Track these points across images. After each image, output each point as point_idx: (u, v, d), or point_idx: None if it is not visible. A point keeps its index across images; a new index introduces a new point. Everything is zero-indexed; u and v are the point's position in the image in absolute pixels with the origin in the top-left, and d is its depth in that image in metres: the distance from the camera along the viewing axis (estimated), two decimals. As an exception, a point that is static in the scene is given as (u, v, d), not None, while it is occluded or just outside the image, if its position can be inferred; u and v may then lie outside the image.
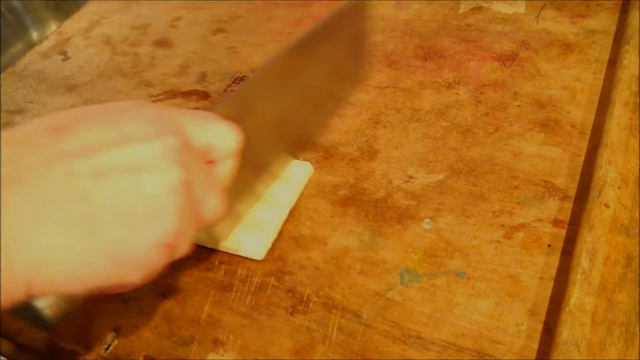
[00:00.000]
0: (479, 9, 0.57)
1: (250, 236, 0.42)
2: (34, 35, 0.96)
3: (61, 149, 0.25)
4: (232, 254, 0.43)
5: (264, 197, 0.45)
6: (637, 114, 0.41)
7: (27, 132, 0.27)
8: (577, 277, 0.33)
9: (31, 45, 0.79)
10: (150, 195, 0.26)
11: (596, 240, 0.35)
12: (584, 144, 0.42)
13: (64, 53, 0.71)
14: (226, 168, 0.33)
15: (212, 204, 0.31)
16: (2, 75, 0.70)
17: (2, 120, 0.63)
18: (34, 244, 0.24)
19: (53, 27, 0.91)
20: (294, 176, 0.46)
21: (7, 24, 0.93)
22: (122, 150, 0.26)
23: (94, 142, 0.26)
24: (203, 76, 0.60)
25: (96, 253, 0.25)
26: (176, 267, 0.43)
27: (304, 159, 0.47)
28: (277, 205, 0.44)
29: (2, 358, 0.42)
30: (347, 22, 0.45)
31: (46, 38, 0.75)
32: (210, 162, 0.32)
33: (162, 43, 0.67)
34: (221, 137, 0.32)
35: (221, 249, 0.43)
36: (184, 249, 0.29)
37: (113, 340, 0.40)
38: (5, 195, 0.23)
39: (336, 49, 0.45)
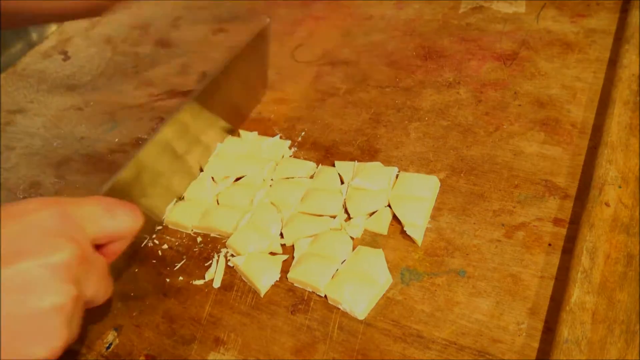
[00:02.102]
0: (479, 8, 0.57)
1: (356, 291, 0.37)
2: (34, 35, 0.96)
3: None
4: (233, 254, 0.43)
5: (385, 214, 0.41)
6: (637, 113, 0.41)
7: None
8: (577, 276, 0.33)
9: (31, 45, 0.79)
10: (36, 315, 0.27)
11: (597, 239, 0.35)
12: (584, 143, 0.42)
13: (65, 53, 0.71)
14: (120, 246, 0.35)
15: (101, 293, 0.33)
16: (3, 75, 0.70)
17: (2, 120, 0.63)
18: None
19: (53, 27, 0.91)
20: (424, 192, 0.41)
21: (7, 24, 0.93)
22: (11, 269, 0.27)
23: None
24: (204, 76, 0.60)
25: None
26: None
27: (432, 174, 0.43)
28: (413, 228, 0.40)
29: None
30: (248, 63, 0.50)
31: (47, 38, 0.75)
32: (102, 245, 0.34)
33: (163, 43, 0.67)
34: (123, 225, 0.34)
35: (321, 294, 0.39)
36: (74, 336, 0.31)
37: (114, 339, 0.40)
38: None
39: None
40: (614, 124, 0.40)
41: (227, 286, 0.41)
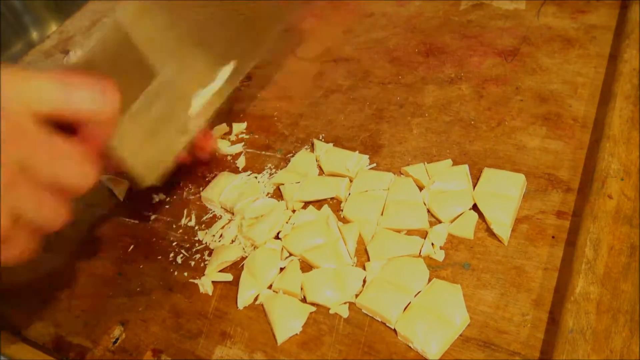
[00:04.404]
0: (480, 5, 0.58)
1: (429, 330, 0.34)
2: (34, 35, 0.96)
3: None
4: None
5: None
6: (639, 106, 0.41)
7: None
8: (581, 267, 0.34)
9: (31, 45, 0.79)
10: None
11: (600, 231, 0.35)
12: (586, 137, 0.43)
13: (66, 52, 0.71)
14: (98, 131, 0.32)
15: (73, 175, 0.30)
16: (5, 74, 0.70)
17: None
18: None
19: (53, 27, 0.91)
20: (511, 190, 0.39)
21: (7, 24, 0.93)
22: None
23: None
24: (206, 73, 0.60)
25: None
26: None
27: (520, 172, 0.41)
28: (500, 226, 0.38)
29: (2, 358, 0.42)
30: None
31: (48, 37, 0.75)
32: (77, 127, 0.31)
33: (164, 41, 0.68)
34: (78, 102, 0.30)
35: (391, 326, 0.36)
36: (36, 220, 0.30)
37: (120, 334, 0.40)
38: None
39: None
40: (616, 117, 0.41)
41: (233, 280, 0.41)
